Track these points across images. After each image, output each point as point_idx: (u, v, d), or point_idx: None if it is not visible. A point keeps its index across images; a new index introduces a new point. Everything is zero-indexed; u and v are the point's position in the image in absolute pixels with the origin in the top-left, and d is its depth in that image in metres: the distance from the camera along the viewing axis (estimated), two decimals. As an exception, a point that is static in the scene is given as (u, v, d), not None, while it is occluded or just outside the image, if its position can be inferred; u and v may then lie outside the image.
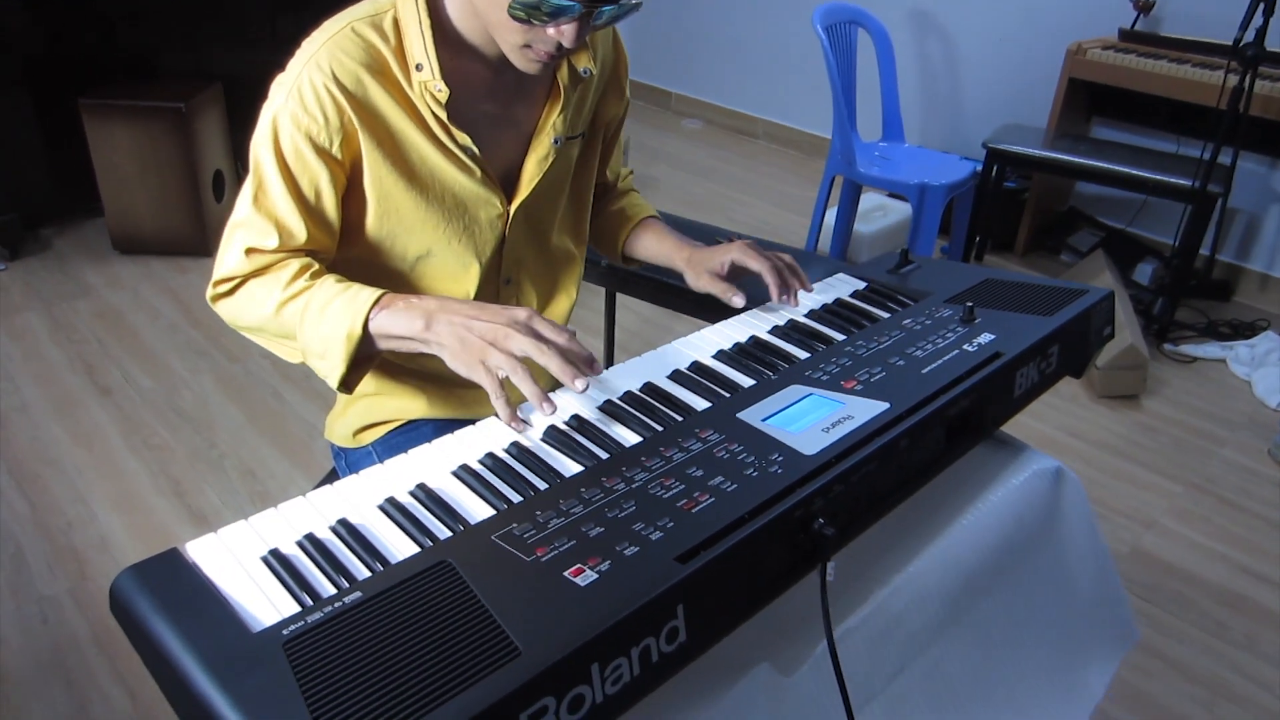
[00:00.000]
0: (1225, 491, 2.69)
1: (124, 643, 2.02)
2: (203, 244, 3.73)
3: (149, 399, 2.90)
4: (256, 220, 1.19)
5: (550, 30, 1.09)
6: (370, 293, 1.14)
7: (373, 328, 1.13)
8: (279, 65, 1.21)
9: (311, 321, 1.15)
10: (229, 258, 1.21)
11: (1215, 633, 2.18)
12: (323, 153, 1.18)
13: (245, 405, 2.89)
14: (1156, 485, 2.70)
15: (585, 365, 1.07)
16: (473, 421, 1.06)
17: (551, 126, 1.31)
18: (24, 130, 3.77)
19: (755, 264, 1.36)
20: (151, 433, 2.75)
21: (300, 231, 1.19)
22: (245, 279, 1.21)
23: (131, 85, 3.68)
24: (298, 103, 1.16)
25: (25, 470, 2.57)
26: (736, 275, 1.39)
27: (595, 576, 0.77)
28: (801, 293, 1.38)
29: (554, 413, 1.04)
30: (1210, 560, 2.41)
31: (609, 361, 2.43)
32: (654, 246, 1.52)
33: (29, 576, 2.22)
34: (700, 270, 1.40)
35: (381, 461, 0.99)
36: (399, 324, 1.12)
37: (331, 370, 1.15)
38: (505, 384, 1.06)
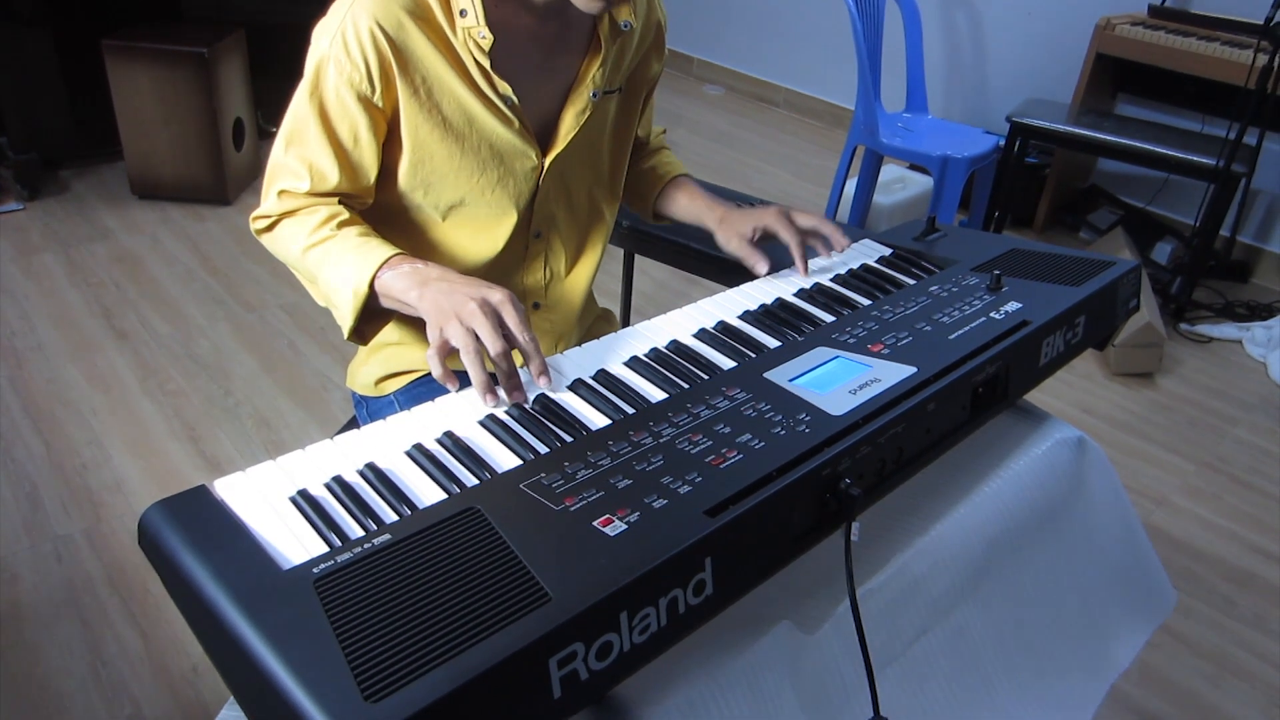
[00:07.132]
0: (1237, 471, 2.69)
1: (137, 583, 2.05)
2: (221, 192, 3.69)
3: (165, 344, 2.91)
4: (291, 162, 1.21)
5: None
6: (382, 251, 1.15)
7: (378, 286, 1.14)
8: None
9: (328, 271, 1.17)
10: (267, 196, 1.24)
11: (1223, 609, 2.19)
12: (365, 100, 1.18)
13: (261, 354, 2.90)
14: (1169, 463, 2.70)
15: (537, 375, 1.03)
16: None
17: (591, 79, 1.30)
18: (46, 69, 3.73)
19: (785, 234, 1.35)
20: (167, 378, 2.76)
21: (332, 175, 1.21)
22: (279, 218, 1.24)
23: (155, 28, 3.65)
24: (342, 49, 1.16)
25: (41, 410, 2.59)
26: (766, 241, 1.39)
27: (624, 527, 0.77)
28: (826, 259, 1.38)
29: (495, 405, 0.99)
30: (1220, 538, 2.42)
31: (625, 324, 2.42)
32: (685, 204, 1.51)
33: (44, 516, 2.23)
34: (731, 232, 1.40)
35: (402, 411, 0.99)
36: (398, 286, 1.12)
37: (341, 320, 1.19)
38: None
